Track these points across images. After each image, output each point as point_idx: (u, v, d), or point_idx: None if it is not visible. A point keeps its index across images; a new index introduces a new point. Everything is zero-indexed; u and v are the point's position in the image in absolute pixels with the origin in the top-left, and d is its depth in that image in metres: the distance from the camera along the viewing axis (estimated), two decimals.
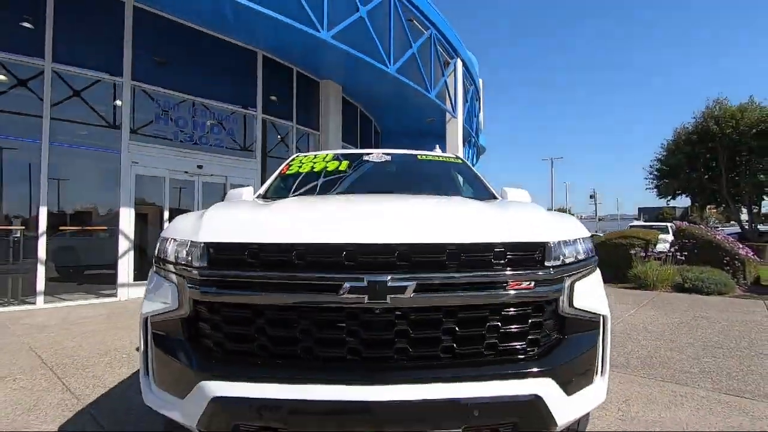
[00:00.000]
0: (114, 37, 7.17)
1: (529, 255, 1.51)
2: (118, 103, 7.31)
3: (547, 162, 48.54)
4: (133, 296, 7.06)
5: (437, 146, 4.55)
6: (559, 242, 1.57)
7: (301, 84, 10.49)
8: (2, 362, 3.62)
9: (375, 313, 1.40)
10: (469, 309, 1.44)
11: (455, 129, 12.33)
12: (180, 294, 1.54)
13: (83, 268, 7.50)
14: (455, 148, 11.96)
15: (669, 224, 17.19)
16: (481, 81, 16.97)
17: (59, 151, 6.66)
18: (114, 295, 7.05)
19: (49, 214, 6.50)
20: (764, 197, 22.90)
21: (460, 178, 3.34)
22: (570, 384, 1.47)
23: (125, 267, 7.19)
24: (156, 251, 1.73)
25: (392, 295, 1.36)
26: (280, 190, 3.01)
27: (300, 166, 3.29)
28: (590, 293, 1.64)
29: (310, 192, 2.95)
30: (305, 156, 3.47)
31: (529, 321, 1.49)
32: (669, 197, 26.69)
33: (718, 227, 18.53)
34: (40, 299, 6.33)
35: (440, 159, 3.54)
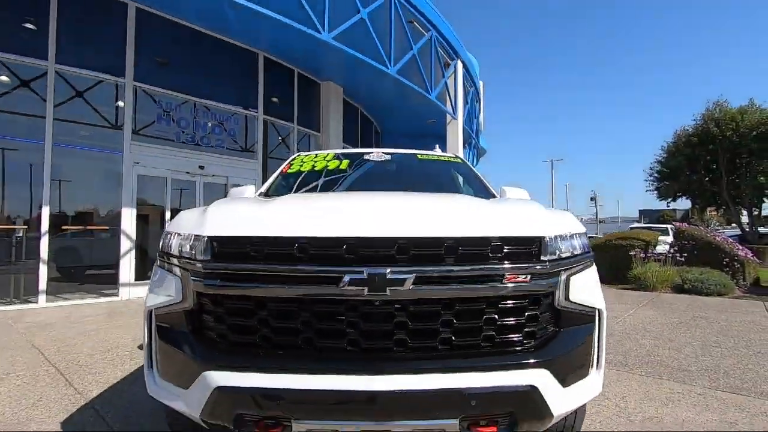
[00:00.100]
0: (116, 38, 7.23)
1: (525, 249, 1.54)
2: (120, 103, 7.36)
3: (547, 163, 48.61)
4: (135, 296, 7.10)
5: (437, 146, 4.57)
6: (555, 237, 1.60)
7: (302, 85, 10.55)
8: (6, 359, 3.65)
9: (375, 305, 1.43)
10: (467, 301, 1.47)
11: (455, 130, 12.36)
12: (184, 287, 1.57)
13: (85, 268, 7.56)
14: (455, 149, 11.97)
15: (669, 226, 17.21)
16: (481, 83, 17.01)
17: (62, 151, 6.71)
18: (116, 294, 7.09)
19: (52, 214, 6.54)
20: (765, 199, 22.84)
21: (460, 177, 3.37)
22: (566, 376, 1.50)
23: (127, 267, 7.24)
24: (160, 245, 1.76)
25: (392, 288, 1.39)
26: (281, 189, 3.03)
27: (301, 165, 3.32)
28: (586, 287, 1.66)
29: (311, 190, 2.97)
30: (306, 155, 3.51)
31: (526, 314, 1.52)
32: (669, 199, 26.66)
33: (719, 229, 18.52)
34: (42, 298, 6.37)
35: (440, 158, 3.58)
